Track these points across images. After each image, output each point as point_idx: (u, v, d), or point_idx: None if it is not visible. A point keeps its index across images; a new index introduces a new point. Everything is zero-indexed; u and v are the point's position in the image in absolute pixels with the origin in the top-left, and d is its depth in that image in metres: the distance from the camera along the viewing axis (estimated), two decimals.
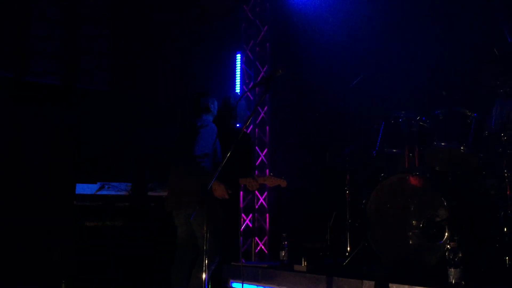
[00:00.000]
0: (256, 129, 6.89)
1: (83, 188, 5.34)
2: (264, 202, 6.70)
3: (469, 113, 4.41)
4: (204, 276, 3.35)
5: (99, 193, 5.37)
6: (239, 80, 6.96)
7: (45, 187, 5.57)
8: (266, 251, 6.58)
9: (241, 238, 6.52)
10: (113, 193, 5.42)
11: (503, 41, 4.52)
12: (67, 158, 5.87)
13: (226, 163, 3.34)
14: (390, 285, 3.81)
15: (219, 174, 3.40)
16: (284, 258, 5.08)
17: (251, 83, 6.94)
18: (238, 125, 6.08)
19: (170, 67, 6.86)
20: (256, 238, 6.60)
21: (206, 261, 3.37)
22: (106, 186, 5.40)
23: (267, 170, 6.68)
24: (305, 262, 4.61)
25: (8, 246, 5.14)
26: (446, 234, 4.11)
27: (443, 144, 4.43)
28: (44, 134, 5.95)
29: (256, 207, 6.73)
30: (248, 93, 6.92)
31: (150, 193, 5.68)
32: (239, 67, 6.99)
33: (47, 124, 6.03)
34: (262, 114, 6.88)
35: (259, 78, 6.91)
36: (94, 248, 5.17)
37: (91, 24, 6.78)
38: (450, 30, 5.35)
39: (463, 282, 3.63)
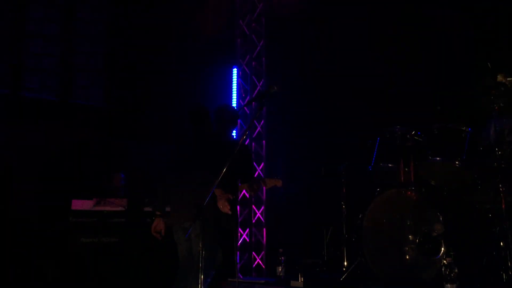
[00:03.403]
0: (253, 143, 6.91)
1: (79, 204, 5.31)
2: (261, 217, 6.69)
3: (464, 128, 4.42)
4: None
5: (94, 209, 5.35)
6: (235, 94, 6.99)
7: (40, 203, 5.55)
8: (263, 266, 6.56)
9: (237, 253, 6.49)
10: (108, 208, 5.39)
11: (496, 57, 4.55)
12: (63, 173, 5.86)
13: (225, 173, 3.33)
14: None
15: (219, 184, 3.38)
16: (281, 274, 5.06)
17: (248, 97, 6.97)
18: (234, 136, 6.11)
19: (166, 83, 6.88)
20: (253, 253, 6.58)
21: (202, 277, 3.36)
22: (102, 202, 5.38)
23: None
24: (302, 278, 4.59)
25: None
26: (442, 249, 4.10)
27: (438, 159, 4.43)
28: (39, 150, 5.95)
29: (253, 221, 6.72)
30: (245, 107, 6.96)
31: (146, 209, 5.66)
32: (235, 81, 7.03)
33: (43, 139, 6.04)
34: (258, 128, 6.90)
35: (255, 92, 6.94)
36: (89, 265, 5.13)
37: (86, 40, 6.82)
38: (444, 46, 5.40)
39: None
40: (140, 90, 6.73)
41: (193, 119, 4.37)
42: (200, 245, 3.41)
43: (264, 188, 6.68)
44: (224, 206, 3.88)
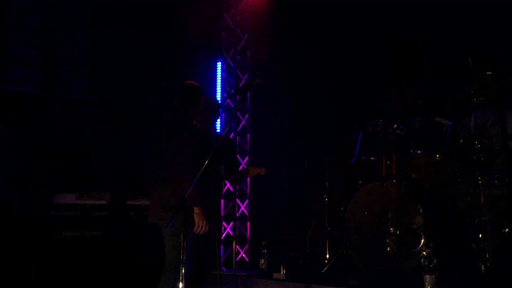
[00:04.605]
0: (237, 137, 6.91)
1: (61, 198, 5.28)
2: (245, 210, 6.71)
3: (445, 122, 4.48)
4: (181, 285, 3.34)
5: (77, 202, 5.31)
6: (219, 88, 6.97)
7: (22, 196, 5.50)
8: (247, 259, 6.58)
9: (221, 246, 6.50)
10: (91, 202, 5.36)
11: (477, 51, 4.60)
12: (45, 167, 5.82)
13: (207, 168, 3.32)
14: None
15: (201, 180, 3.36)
16: (263, 266, 5.10)
17: (232, 91, 6.96)
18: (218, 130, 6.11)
19: (149, 76, 6.85)
20: (237, 246, 6.60)
21: (183, 270, 3.36)
22: (85, 195, 5.35)
23: (248, 178, 6.68)
24: (284, 270, 4.62)
25: None
26: (422, 241, 4.15)
27: (419, 152, 4.49)
28: (22, 143, 5.89)
29: (237, 215, 6.73)
30: (229, 101, 6.95)
31: (130, 202, 5.63)
32: (220, 75, 7.01)
33: (26, 132, 5.98)
34: (243, 122, 6.90)
35: (240, 85, 6.94)
36: (72, 259, 5.10)
37: (69, 33, 6.76)
38: (425, 41, 5.45)
39: None
40: (123, 83, 6.69)
41: (186, 101, 3.99)
42: (182, 238, 3.42)
43: (248, 181, 6.71)
44: (201, 226, 3.72)
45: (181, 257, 3.36)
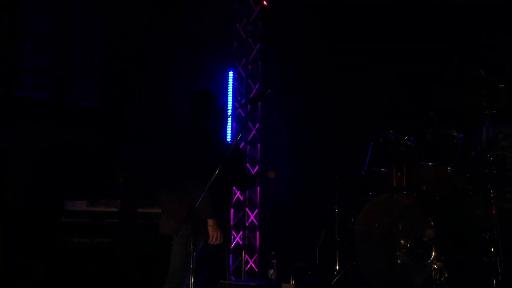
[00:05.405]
0: (248, 146, 6.92)
1: (71, 204, 5.32)
2: (254, 220, 6.70)
3: (456, 134, 4.45)
4: None
5: (88, 209, 5.35)
6: (231, 98, 7.00)
7: (34, 203, 5.55)
8: (256, 269, 6.56)
9: (231, 255, 6.50)
10: (101, 209, 5.40)
11: (489, 63, 4.59)
12: (57, 173, 5.86)
13: (218, 178, 3.33)
14: None
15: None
16: (272, 277, 5.08)
17: (243, 101, 6.98)
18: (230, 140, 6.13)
19: (162, 85, 6.90)
20: (246, 255, 6.59)
21: (193, 279, 3.36)
22: (95, 203, 5.38)
23: (258, 188, 6.69)
24: (293, 281, 4.61)
25: None
26: (433, 254, 4.12)
27: (430, 164, 4.46)
28: (33, 150, 5.95)
29: (247, 224, 6.73)
30: (240, 110, 6.98)
31: (139, 210, 5.66)
32: (231, 85, 7.04)
33: (37, 139, 6.03)
34: (253, 131, 6.91)
35: (251, 95, 6.97)
36: (81, 265, 5.13)
37: (82, 41, 6.83)
38: (436, 52, 5.44)
39: None
40: (135, 91, 6.74)
41: (200, 109, 3.95)
42: (192, 246, 3.43)
43: (258, 191, 6.70)
44: (215, 238, 3.72)
45: (191, 266, 3.38)
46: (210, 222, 3.73)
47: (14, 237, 5.17)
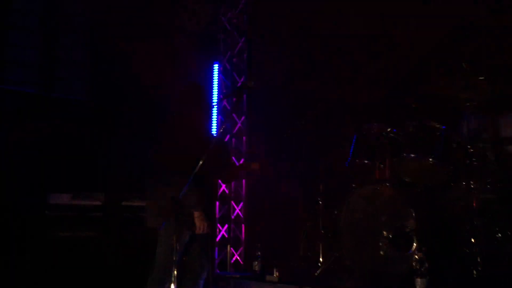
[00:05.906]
0: (233, 139, 6.92)
1: (55, 198, 5.29)
2: (240, 213, 6.71)
3: (438, 126, 4.49)
4: (172, 286, 3.35)
5: (71, 202, 5.32)
6: (216, 90, 6.99)
7: (16, 196, 5.51)
8: (241, 262, 6.58)
9: (216, 248, 6.51)
10: (86, 203, 5.37)
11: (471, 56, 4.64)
12: (41, 166, 5.82)
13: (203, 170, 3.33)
14: None
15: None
16: (256, 268, 5.10)
17: (228, 93, 6.98)
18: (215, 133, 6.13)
19: (147, 78, 6.86)
20: (232, 248, 6.61)
21: (175, 272, 3.36)
22: (79, 196, 5.36)
23: (244, 181, 6.70)
24: (277, 273, 4.64)
25: None
26: (414, 244, 4.17)
27: (412, 155, 4.50)
28: (18, 143, 5.90)
29: (232, 217, 6.74)
30: (226, 103, 6.98)
31: (124, 203, 5.64)
32: (217, 78, 7.03)
33: (22, 132, 5.98)
34: (239, 124, 6.91)
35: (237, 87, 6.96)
36: (66, 259, 5.12)
37: (69, 33, 6.77)
38: (418, 44, 5.48)
39: None
40: (122, 84, 6.69)
41: (186, 101, 3.97)
42: (174, 239, 3.43)
43: (243, 184, 6.71)
44: (202, 228, 3.75)
45: (174, 259, 3.38)
46: (196, 214, 3.74)
47: None
